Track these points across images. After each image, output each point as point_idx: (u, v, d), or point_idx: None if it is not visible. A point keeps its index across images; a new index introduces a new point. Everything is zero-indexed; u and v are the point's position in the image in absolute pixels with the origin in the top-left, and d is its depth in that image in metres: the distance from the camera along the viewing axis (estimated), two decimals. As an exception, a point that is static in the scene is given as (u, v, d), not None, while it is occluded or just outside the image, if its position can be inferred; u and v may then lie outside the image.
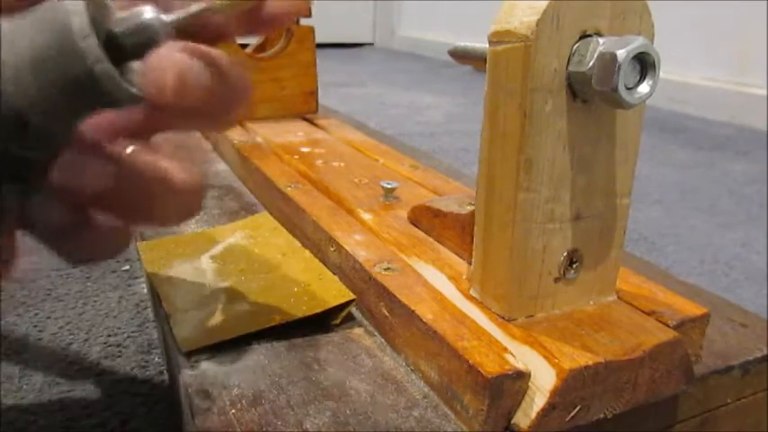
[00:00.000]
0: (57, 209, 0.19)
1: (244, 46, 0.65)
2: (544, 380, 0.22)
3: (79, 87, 0.17)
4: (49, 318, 0.46)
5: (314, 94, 0.64)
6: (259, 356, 0.26)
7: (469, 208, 0.30)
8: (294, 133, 0.56)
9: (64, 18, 0.16)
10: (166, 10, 0.19)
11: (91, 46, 0.16)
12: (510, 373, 0.21)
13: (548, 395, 0.21)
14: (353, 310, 0.30)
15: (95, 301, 0.49)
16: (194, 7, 0.19)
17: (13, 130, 0.16)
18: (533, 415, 0.21)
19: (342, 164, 0.46)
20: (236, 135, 0.54)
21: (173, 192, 0.19)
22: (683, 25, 1.53)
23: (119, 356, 0.42)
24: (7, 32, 0.17)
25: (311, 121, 0.62)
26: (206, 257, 0.34)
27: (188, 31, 0.19)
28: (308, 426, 0.22)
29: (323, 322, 0.29)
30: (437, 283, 0.28)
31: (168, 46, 0.18)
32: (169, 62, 0.17)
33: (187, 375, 0.25)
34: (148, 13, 0.18)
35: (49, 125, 0.17)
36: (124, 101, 0.18)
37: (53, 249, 0.20)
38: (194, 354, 0.26)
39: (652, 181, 0.96)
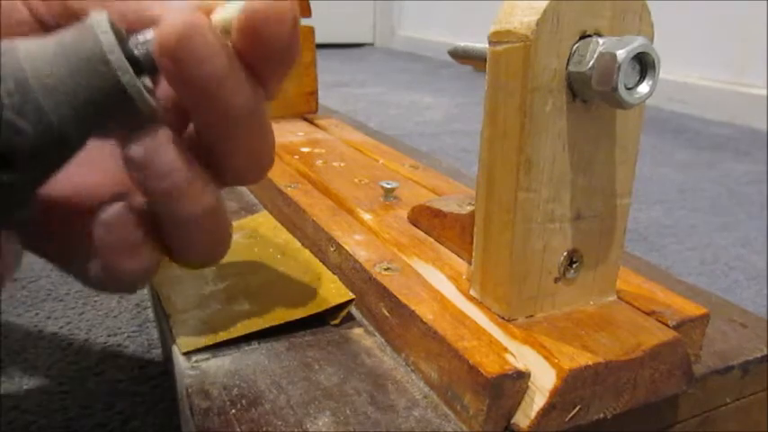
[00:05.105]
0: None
1: None
2: (544, 380, 0.22)
3: (104, 97, 0.18)
4: (49, 318, 0.46)
5: (314, 94, 0.64)
6: (259, 356, 0.26)
7: (469, 208, 0.30)
8: (294, 133, 0.56)
9: (93, 35, 0.17)
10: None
11: (118, 59, 0.18)
12: (510, 373, 0.21)
13: (548, 395, 0.21)
14: (353, 310, 0.30)
15: (95, 301, 0.49)
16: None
17: (37, 129, 0.17)
18: (533, 415, 0.21)
19: (342, 164, 0.46)
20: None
21: None
22: (683, 25, 1.53)
23: (119, 356, 0.42)
24: (33, 49, 0.17)
25: (311, 121, 0.62)
26: (206, 257, 0.34)
27: None
28: (308, 426, 0.22)
29: (323, 322, 0.29)
30: (437, 283, 0.28)
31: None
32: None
33: (187, 375, 0.25)
34: (150, 33, 0.19)
35: (69, 129, 0.18)
36: (143, 112, 0.19)
37: None
38: (194, 354, 0.26)
39: (652, 181, 0.96)
